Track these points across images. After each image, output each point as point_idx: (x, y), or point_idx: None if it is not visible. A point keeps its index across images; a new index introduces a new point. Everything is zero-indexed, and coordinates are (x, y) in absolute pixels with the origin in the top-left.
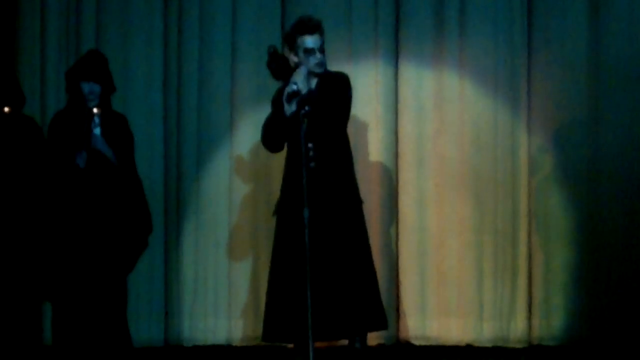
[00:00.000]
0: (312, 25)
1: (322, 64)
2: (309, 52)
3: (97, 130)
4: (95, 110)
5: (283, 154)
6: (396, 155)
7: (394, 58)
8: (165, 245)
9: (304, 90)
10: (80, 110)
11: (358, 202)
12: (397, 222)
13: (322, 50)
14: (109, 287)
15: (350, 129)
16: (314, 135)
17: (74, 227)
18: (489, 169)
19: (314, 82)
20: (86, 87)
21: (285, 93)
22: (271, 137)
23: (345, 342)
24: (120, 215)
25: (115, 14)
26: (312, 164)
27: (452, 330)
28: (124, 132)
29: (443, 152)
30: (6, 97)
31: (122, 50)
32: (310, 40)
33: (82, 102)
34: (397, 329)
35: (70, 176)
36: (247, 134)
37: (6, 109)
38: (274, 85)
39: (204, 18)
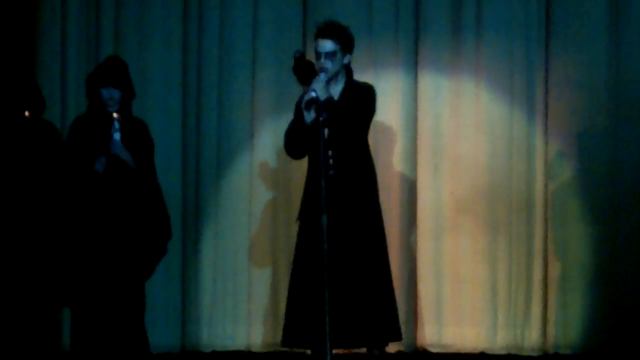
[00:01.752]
0: (323, 29)
1: (323, 69)
2: (317, 56)
3: (116, 136)
4: (115, 115)
5: (304, 160)
6: (415, 163)
7: (414, 65)
8: (183, 251)
9: (322, 98)
10: (100, 116)
11: (378, 211)
12: (416, 230)
13: (331, 56)
14: (127, 293)
15: (371, 136)
16: (334, 143)
17: (92, 232)
18: (504, 176)
19: (338, 89)
20: (106, 92)
21: (304, 100)
22: (293, 144)
23: (363, 349)
24: (139, 221)
25: (134, 19)
26: (332, 172)
27: (467, 338)
28: (144, 138)
29: (459, 159)
30: (26, 102)
31: (140, 55)
32: (319, 44)
33: (102, 107)
34: (415, 337)
35: (89, 181)
36: (267, 140)
37: (26, 113)
38: (294, 91)
39: (225, 24)
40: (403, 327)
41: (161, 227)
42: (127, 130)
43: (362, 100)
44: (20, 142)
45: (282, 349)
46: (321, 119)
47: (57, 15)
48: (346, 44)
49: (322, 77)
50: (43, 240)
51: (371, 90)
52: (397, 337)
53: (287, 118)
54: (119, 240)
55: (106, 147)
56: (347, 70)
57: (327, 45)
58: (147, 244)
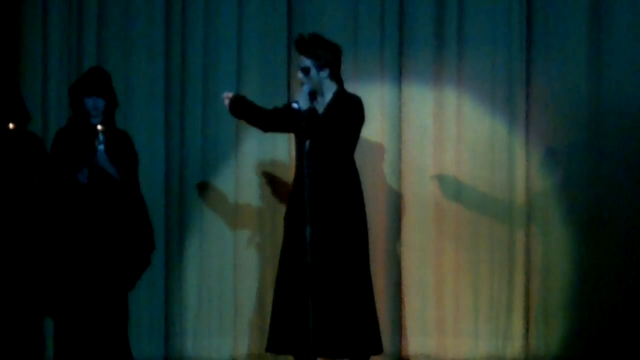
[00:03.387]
0: (297, 45)
1: (301, 82)
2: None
3: (101, 148)
4: (99, 127)
5: (291, 170)
6: (400, 174)
7: (398, 78)
8: (166, 262)
9: (304, 108)
10: (84, 126)
11: (361, 222)
12: (400, 241)
13: (305, 71)
14: (110, 304)
15: (356, 148)
16: (318, 153)
17: (75, 243)
18: (486, 186)
19: (325, 100)
20: (90, 102)
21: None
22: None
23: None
24: (122, 232)
25: (117, 30)
26: (307, 181)
27: (449, 348)
28: (128, 150)
29: (442, 170)
30: (11, 113)
31: (123, 67)
32: (298, 58)
33: (86, 117)
34: (400, 347)
35: (72, 192)
36: (252, 151)
37: (11, 125)
38: (279, 102)
39: (209, 35)
40: (387, 338)
41: (144, 238)
42: (111, 141)
43: (348, 111)
44: (5, 154)
45: (267, 359)
46: (300, 128)
47: (39, 27)
48: (322, 60)
49: (305, 88)
50: (26, 249)
51: (358, 101)
52: (378, 350)
53: None
54: (102, 251)
55: (90, 158)
56: (337, 80)
57: (302, 61)
58: (130, 255)
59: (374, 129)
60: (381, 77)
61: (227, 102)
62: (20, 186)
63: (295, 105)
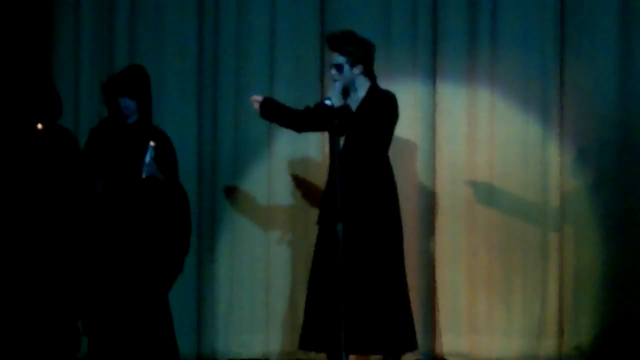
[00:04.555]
0: (330, 42)
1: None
2: (330, 65)
3: (148, 160)
4: (152, 143)
5: (323, 167)
6: (434, 172)
7: (432, 75)
8: (198, 259)
9: (337, 105)
10: (118, 125)
11: (396, 219)
12: (434, 239)
13: (338, 67)
14: (148, 305)
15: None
16: (352, 150)
17: (112, 246)
18: (519, 184)
19: (359, 97)
20: (122, 102)
21: (319, 107)
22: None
23: (378, 356)
24: (161, 236)
25: (149, 25)
26: (339, 178)
27: (483, 346)
28: (168, 150)
29: (475, 169)
30: (44, 106)
31: (155, 62)
32: (330, 55)
33: (120, 116)
34: (433, 345)
35: (93, 198)
36: (285, 148)
37: (39, 126)
38: (311, 99)
39: (241, 32)
40: (420, 335)
41: (181, 242)
42: (149, 140)
43: (381, 108)
44: (35, 155)
45: (300, 357)
46: (333, 124)
47: (70, 22)
48: (354, 56)
49: (337, 85)
50: (62, 249)
51: (391, 98)
52: (412, 347)
53: None
54: (137, 254)
55: (125, 158)
56: (370, 77)
57: (334, 58)
58: (167, 257)
59: (407, 126)
60: (414, 74)
61: (256, 105)
62: (53, 185)
63: (327, 102)
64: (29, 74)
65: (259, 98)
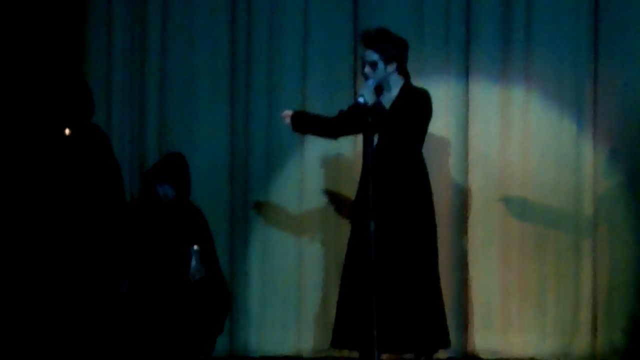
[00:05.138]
0: (364, 39)
1: (368, 76)
2: (362, 63)
3: (194, 262)
4: (195, 247)
5: (356, 166)
6: (467, 170)
7: (465, 73)
8: (230, 257)
9: (370, 102)
10: (154, 207)
11: (429, 217)
12: (466, 236)
13: (372, 65)
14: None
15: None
16: (386, 148)
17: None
18: (553, 181)
19: (392, 95)
20: (160, 189)
21: (353, 105)
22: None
23: (411, 354)
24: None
25: (181, 24)
26: (371, 176)
27: (516, 344)
28: (203, 227)
29: (509, 167)
30: (76, 104)
31: (187, 62)
32: (363, 53)
33: (157, 202)
34: (465, 343)
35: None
36: (317, 147)
37: (67, 131)
38: (345, 97)
39: (274, 30)
40: (453, 333)
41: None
42: (185, 221)
43: (415, 105)
44: (63, 162)
45: (333, 354)
46: (367, 122)
47: (103, 22)
48: (388, 53)
49: (370, 82)
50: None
51: (425, 95)
52: (445, 344)
53: None
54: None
55: (162, 241)
56: (403, 75)
57: (368, 55)
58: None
59: (440, 124)
60: (447, 72)
61: (287, 120)
62: (82, 193)
63: (361, 100)
64: (62, 73)
65: (289, 112)
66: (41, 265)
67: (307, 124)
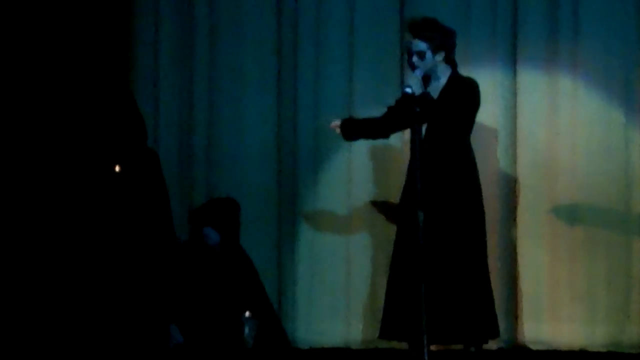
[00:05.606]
0: (412, 28)
1: (412, 66)
2: (409, 53)
3: (247, 330)
4: (247, 314)
5: (404, 156)
6: (514, 159)
7: (512, 62)
8: (278, 248)
9: (417, 92)
10: (201, 250)
11: (478, 207)
12: (515, 226)
13: (420, 55)
14: None
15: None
16: (434, 138)
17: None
18: (602, 171)
19: (439, 84)
20: (207, 232)
21: (401, 96)
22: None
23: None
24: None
25: (228, 16)
26: (419, 166)
27: (566, 334)
28: (249, 268)
29: (557, 155)
30: (127, 133)
31: (235, 53)
32: (410, 42)
33: (203, 245)
34: (515, 333)
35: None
36: None
37: (117, 168)
38: (391, 87)
39: (320, 20)
40: (502, 323)
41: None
42: (232, 263)
43: (463, 95)
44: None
45: (381, 345)
46: (413, 112)
47: (150, 13)
48: (436, 42)
49: (417, 73)
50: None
51: (473, 85)
52: (494, 335)
53: None
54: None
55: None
56: (451, 64)
57: (416, 44)
58: None
59: (487, 113)
60: (494, 61)
61: (337, 130)
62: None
63: (408, 90)
64: (111, 97)
65: (337, 122)
66: (90, 310)
67: (357, 129)
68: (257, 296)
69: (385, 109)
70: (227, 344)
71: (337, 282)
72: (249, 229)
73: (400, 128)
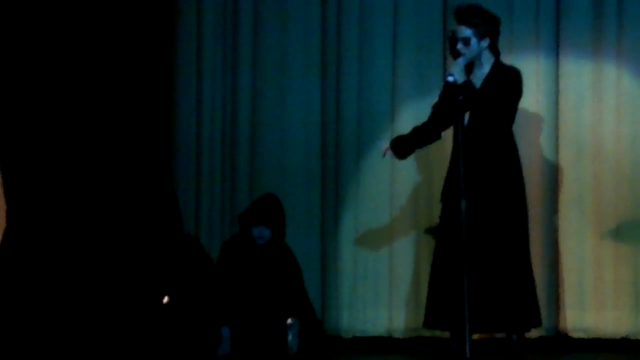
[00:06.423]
0: (458, 15)
1: (460, 53)
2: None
3: (290, 337)
4: (289, 321)
5: (447, 143)
6: (556, 148)
7: (555, 49)
8: (322, 235)
9: (460, 81)
10: (249, 248)
11: (521, 196)
12: (557, 215)
13: (465, 41)
14: None
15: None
16: (476, 126)
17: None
18: None
19: (483, 72)
20: (256, 231)
21: (444, 84)
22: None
23: (502, 334)
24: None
25: (273, 3)
26: (471, 142)
27: (609, 322)
28: (293, 266)
29: (601, 144)
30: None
31: (279, 38)
32: (456, 29)
33: (253, 243)
34: (557, 321)
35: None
36: (408, 124)
37: (165, 299)
38: (435, 74)
39: (364, 7)
40: (544, 312)
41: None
42: (277, 260)
43: (507, 84)
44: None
45: (424, 334)
46: (457, 100)
47: (194, 2)
48: (482, 29)
49: (460, 61)
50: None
51: (517, 74)
52: (537, 323)
53: (428, 101)
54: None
55: (257, 282)
56: (494, 52)
57: (462, 31)
58: None
59: (530, 101)
60: (536, 48)
61: (388, 153)
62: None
63: (450, 79)
64: (152, 184)
65: (387, 145)
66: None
67: (408, 143)
68: (299, 299)
69: (429, 109)
70: (271, 349)
71: (381, 271)
72: (292, 218)
73: (449, 123)
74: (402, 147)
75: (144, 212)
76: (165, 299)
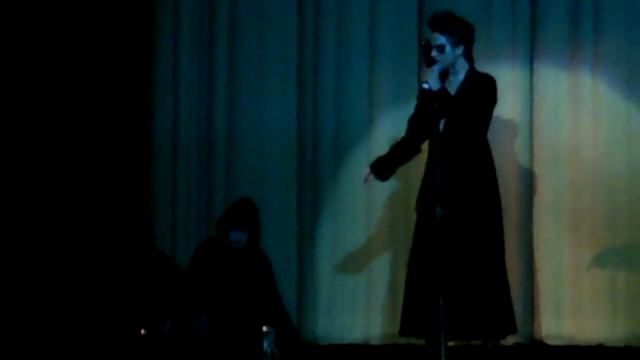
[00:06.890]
0: (432, 22)
1: (435, 61)
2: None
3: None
4: (265, 328)
5: (424, 151)
6: (532, 155)
7: (530, 58)
8: (299, 242)
9: (434, 88)
10: (225, 251)
11: (495, 203)
12: (532, 221)
13: (440, 49)
14: None
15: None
16: (451, 134)
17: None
18: (623, 168)
19: (458, 80)
20: (234, 235)
21: (419, 92)
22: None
23: (478, 341)
24: None
25: (250, 9)
26: (439, 161)
27: (586, 329)
28: (267, 271)
29: (577, 150)
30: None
31: (256, 44)
32: (431, 36)
33: (230, 247)
34: (532, 328)
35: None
36: (385, 130)
37: (142, 331)
38: (412, 81)
39: (341, 14)
40: (520, 319)
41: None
42: (252, 264)
43: (482, 91)
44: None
45: (401, 341)
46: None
47: (170, 7)
48: (457, 36)
49: (435, 68)
50: None
51: (492, 81)
52: (512, 330)
53: (406, 108)
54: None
55: (232, 285)
56: (469, 60)
57: (436, 38)
58: None
59: (505, 108)
60: (512, 56)
61: (370, 177)
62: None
63: (425, 86)
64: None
65: (367, 170)
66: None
67: (388, 163)
68: (273, 303)
69: (407, 116)
70: (246, 355)
71: (357, 278)
72: (270, 225)
73: (427, 135)
74: (384, 168)
75: (117, 229)
76: (143, 332)
